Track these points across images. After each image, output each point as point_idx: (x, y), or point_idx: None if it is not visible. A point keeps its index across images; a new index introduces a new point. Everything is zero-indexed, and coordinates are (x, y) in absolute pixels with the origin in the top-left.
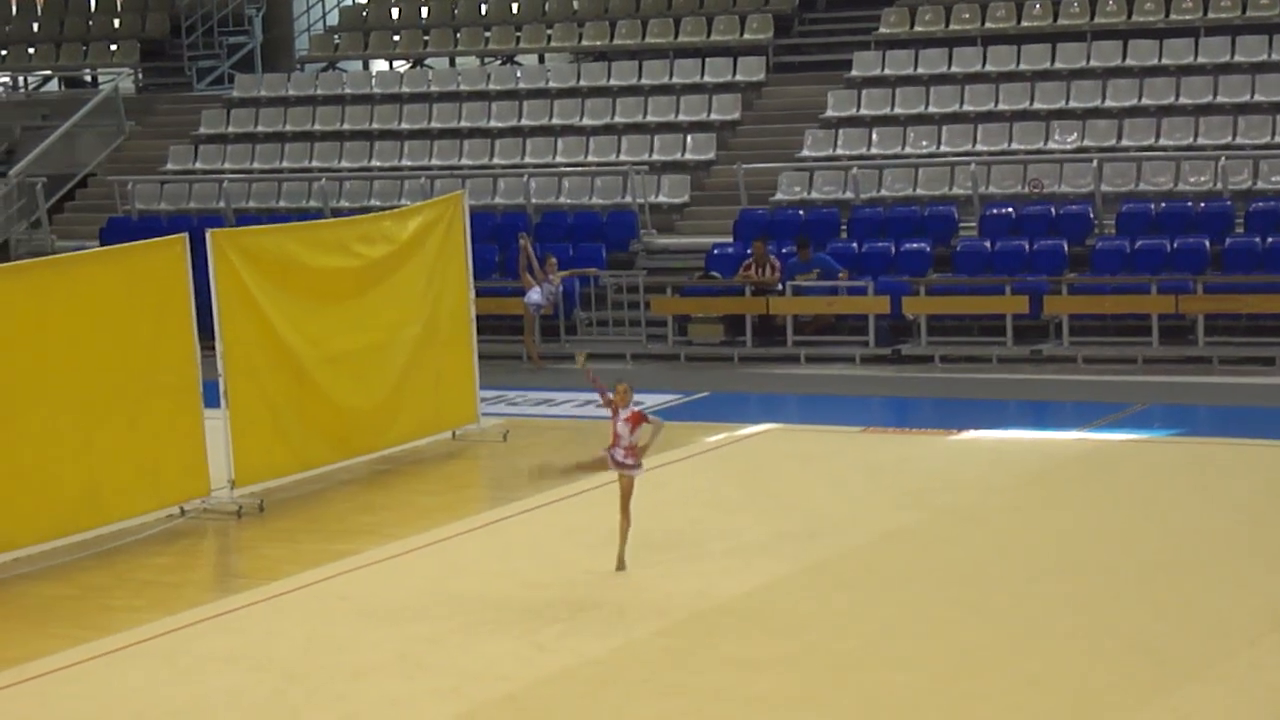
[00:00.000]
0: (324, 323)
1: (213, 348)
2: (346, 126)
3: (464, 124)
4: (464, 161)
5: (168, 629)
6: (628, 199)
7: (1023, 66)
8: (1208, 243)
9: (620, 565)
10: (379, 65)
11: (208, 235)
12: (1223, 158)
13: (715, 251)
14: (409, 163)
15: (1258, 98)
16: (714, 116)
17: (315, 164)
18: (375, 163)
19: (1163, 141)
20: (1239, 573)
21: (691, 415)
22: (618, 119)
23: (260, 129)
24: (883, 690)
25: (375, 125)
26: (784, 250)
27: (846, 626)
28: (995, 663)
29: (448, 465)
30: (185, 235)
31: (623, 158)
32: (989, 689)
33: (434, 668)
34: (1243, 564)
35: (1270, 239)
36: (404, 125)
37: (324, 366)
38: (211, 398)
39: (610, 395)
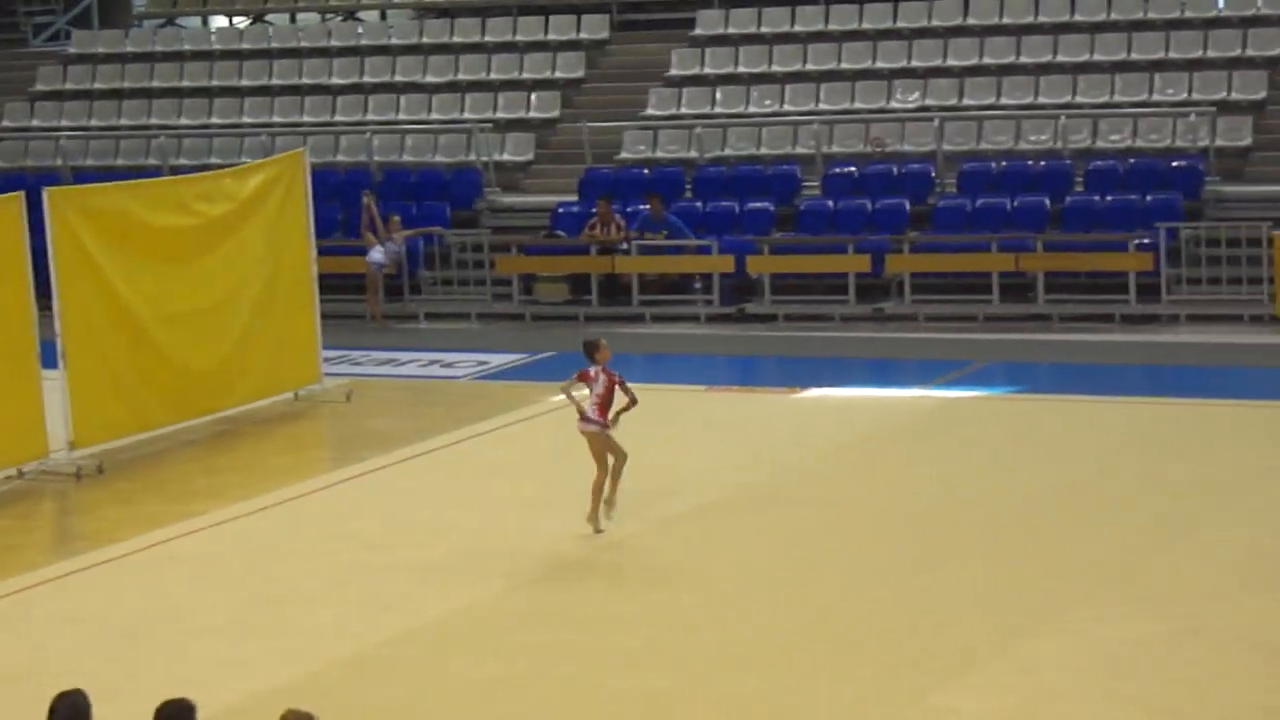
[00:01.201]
0: (164, 282)
1: (50, 308)
2: (185, 83)
3: (305, 81)
4: (305, 119)
5: (6, 592)
6: (472, 157)
7: (865, 25)
8: (1047, 201)
9: (596, 526)
10: (219, 21)
11: (44, 194)
12: (1062, 117)
13: (560, 210)
14: (249, 120)
15: (1097, 57)
16: (558, 74)
17: (154, 121)
18: (215, 120)
19: (1003, 101)
20: (1079, 527)
21: (538, 375)
22: (461, 76)
23: (98, 86)
24: (729, 645)
25: (215, 82)
26: (629, 210)
27: (694, 583)
28: (840, 619)
29: (291, 426)
30: (21, 194)
31: (466, 115)
32: (832, 645)
33: (278, 629)
34: (1083, 518)
35: (1109, 197)
36: (244, 82)
37: (164, 326)
38: (49, 358)
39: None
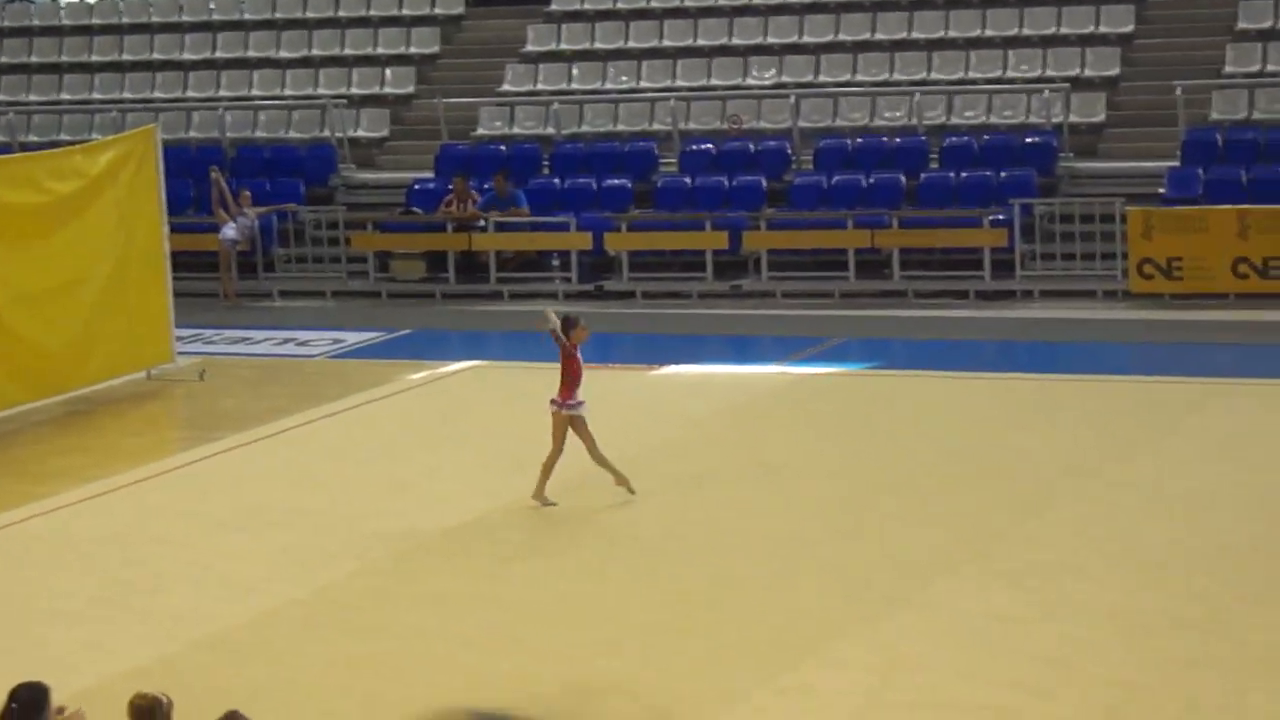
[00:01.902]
0: (13, 260)
1: None
2: (34, 59)
3: (157, 56)
4: (157, 95)
5: None
6: (326, 133)
7: (721, 2)
8: (903, 178)
9: (540, 498)
10: None
11: None
12: (917, 93)
13: (416, 187)
14: (100, 96)
15: (951, 33)
16: (413, 50)
17: (2, 98)
18: (65, 96)
19: (859, 77)
20: (936, 503)
21: (394, 353)
22: (315, 51)
23: None
24: (585, 626)
25: (64, 58)
26: (485, 187)
27: (549, 561)
28: (695, 596)
29: (144, 405)
30: None
31: (321, 91)
32: (690, 623)
33: (137, 610)
34: (940, 494)
35: (964, 174)
36: (94, 58)
37: (13, 305)
38: None
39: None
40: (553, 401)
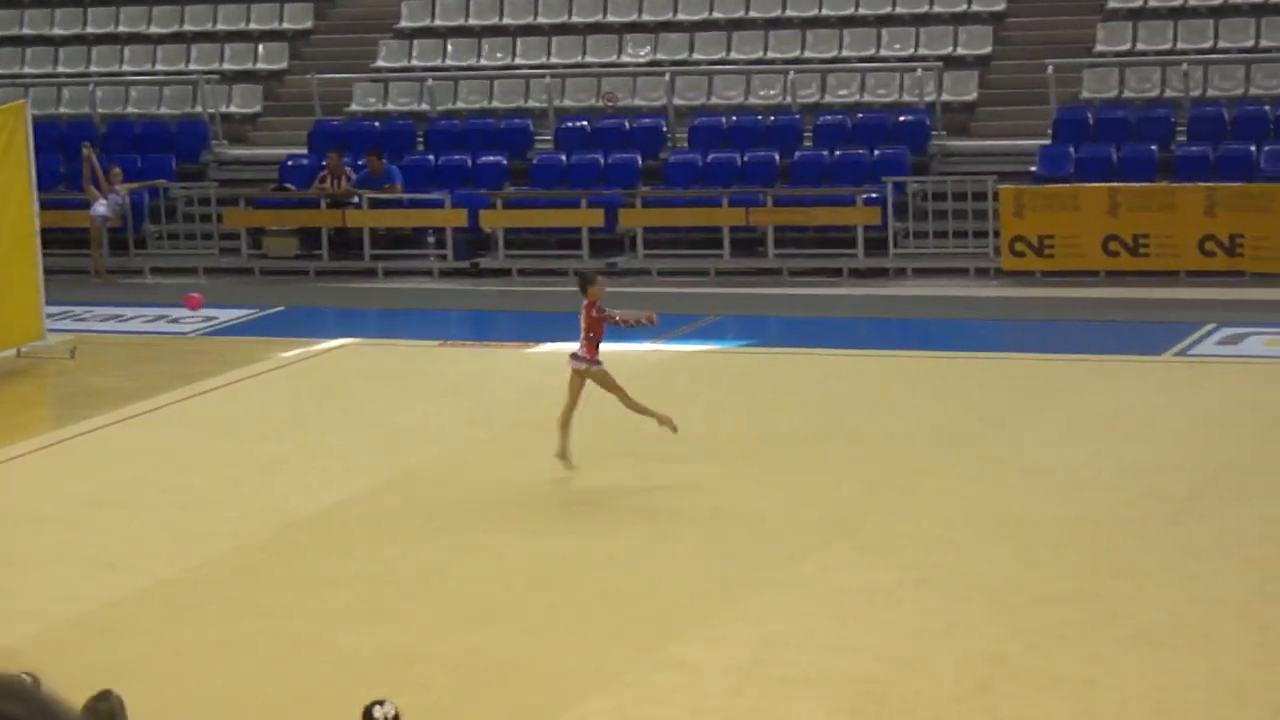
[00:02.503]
0: None
1: None
2: None
3: (26, 31)
4: (27, 70)
5: None
6: (198, 109)
7: None
8: (777, 156)
9: (564, 455)
10: None
11: None
12: (791, 71)
13: (289, 163)
14: None
15: (825, 12)
16: (286, 25)
17: None
18: None
19: (733, 55)
20: (808, 478)
21: (267, 330)
22: (187, 27)
23: None
24: (461, 601)
25: None
26: (359, 163)
27: (423, 540)
28: (572, 573)
29: (13, 383)
30: None
31: (192, 67)
32: (565, 599)
33: (5, 588)
34: (812, 470)
35: (837, 152)
36: None
37: None
38: None
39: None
40: (573, 356)
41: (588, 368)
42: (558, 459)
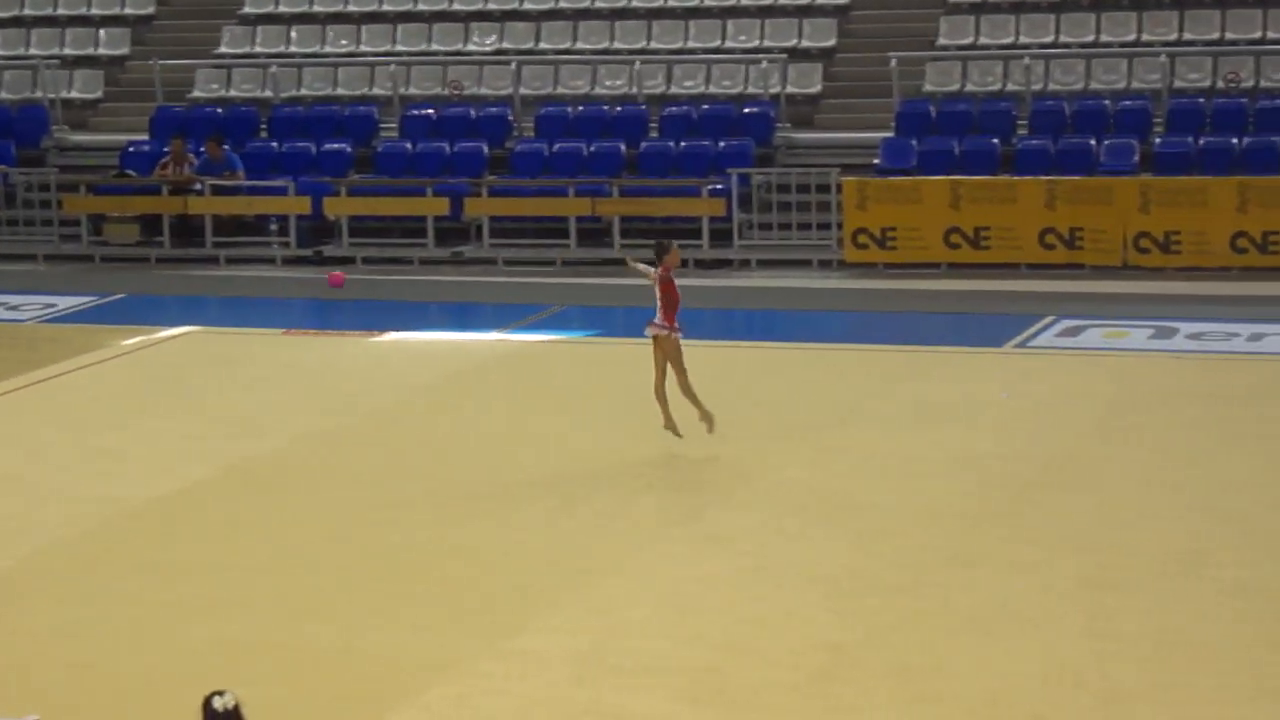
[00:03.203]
0: None
1: None
2: None
3: None
4: None
5: None
6: (38, 94)
7: None
8: (623, 146)
9: (669, 426)
10: None
11: None
12: (637, 62)
13: (131, 149)
14: None
15: (671, 3)
16: (128, 11)
17: None
18: None
19: (579, 45)
20: (650, 469)
21: (107, 318)
22: (27, 11)
23: None
24: (301, 592)
25: None
26: (201, 150)
27: (264, 530)
28: (415, 564)
29: None
30: None
31: (33, 52)
32: (407, 591)
33: None
34: (653, 461)
35: (683, 143)
36: None
37: None
38: None
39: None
40: (650, 323)
41: (667, 334)
42: (666, 430)
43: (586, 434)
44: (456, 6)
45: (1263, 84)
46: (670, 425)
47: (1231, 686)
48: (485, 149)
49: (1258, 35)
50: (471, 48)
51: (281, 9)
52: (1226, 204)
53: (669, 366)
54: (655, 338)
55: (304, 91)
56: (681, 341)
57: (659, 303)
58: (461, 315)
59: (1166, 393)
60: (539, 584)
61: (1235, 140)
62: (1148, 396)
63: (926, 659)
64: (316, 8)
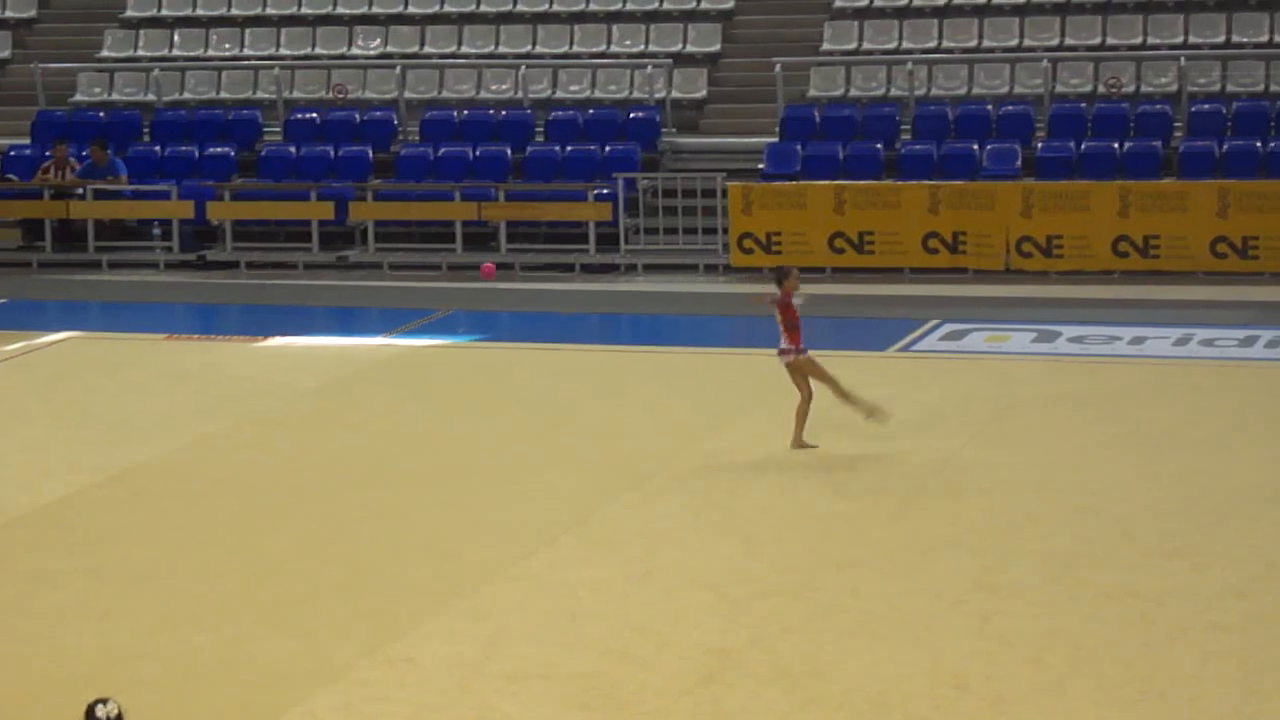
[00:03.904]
0: None
1: None
2: None
3: None
4: None
5: None
6: None
7: None
8: (509, 151)
9: (799, 444)
10: None
11: None
12: (523, 66)
13: (12, 153)
14: None
15: (556, 7)
16: (9, 14)
17: None
18: None
19: (464, 49)
20: (537, 474)
21: None
22: None
23: None
24: (180, 599)
25: None
26: (83, 154)
27: (148, 537)
28: (297, 571)
29: None
30: None
31: None
32: (288, 597)
33: None
34: (541, 465)
35: (569, 148)
36: None
37: None
38: None
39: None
40: (782, 351)
41: (796, 357)
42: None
43: (473, 438)
44: (341, 10)
45: (1143, 89)
46: (800, 443)
47: (1116, 689)
48: (370, 153)
49: (1139, 41)
50: (356, 51)
51: (164, 12)
52: (1108, 208)
53: (815, 382)
54: (788, 365)
55: (187, 95)
56: (813, 354)
57: (781, 329)
58: (347, 320)
59: (1049, 396)
60: (425, 590)
61: (1116, 145)
62: (1031, 400)
63: (813, 663)
64: (200, 11)
